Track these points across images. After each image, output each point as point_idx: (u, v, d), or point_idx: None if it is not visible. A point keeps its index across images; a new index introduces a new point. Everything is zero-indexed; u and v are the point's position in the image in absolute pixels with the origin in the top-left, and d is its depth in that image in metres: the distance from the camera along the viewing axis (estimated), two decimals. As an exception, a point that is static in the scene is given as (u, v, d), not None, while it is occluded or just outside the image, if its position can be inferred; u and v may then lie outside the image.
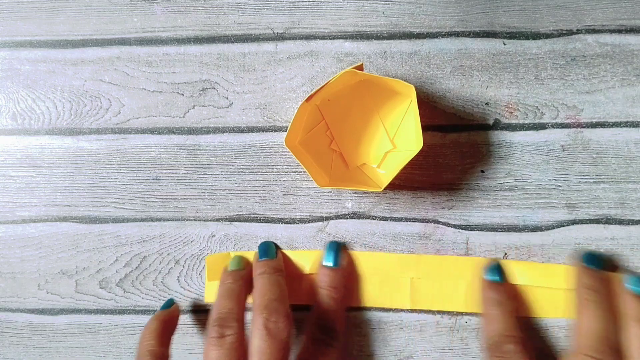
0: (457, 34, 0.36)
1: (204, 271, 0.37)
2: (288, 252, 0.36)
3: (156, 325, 0.34)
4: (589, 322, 0.31)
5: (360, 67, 0.32)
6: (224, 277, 0.35)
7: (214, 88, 0.36)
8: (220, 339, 0.31)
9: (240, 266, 0.35)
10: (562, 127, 0.36)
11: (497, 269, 0.35)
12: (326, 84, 0.31)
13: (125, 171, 0.37)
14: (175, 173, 0.37)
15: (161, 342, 0.33)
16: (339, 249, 0.36)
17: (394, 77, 0.33)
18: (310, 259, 0.36)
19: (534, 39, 0.36)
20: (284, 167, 0.36)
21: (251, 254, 0.36)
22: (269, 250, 0.36)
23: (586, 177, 0.35)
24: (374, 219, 0.36)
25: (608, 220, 0.35)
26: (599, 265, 0.34)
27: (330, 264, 0.35)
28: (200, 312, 0.37)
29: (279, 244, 0.36)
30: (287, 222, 0.36)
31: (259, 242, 0.36)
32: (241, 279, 0.34)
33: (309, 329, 0.33)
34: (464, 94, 0.36)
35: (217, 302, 0.33)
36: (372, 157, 0.36)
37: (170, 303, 0.36)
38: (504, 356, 0.31)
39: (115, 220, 0.37)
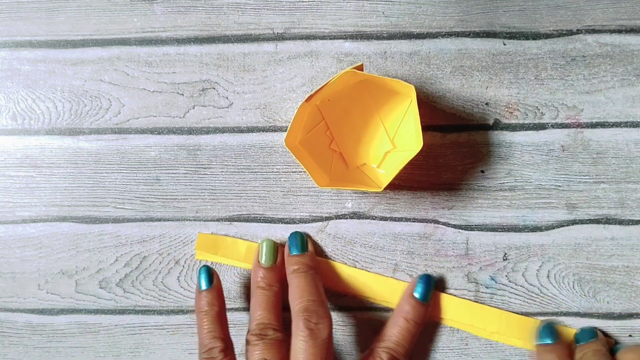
0: (457, 34, 0.36)
1: (201, 263, 0.36)
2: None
3: (214, 311, 0.34)
4: None
5: (360, 67, 0.32)
6: (256, 272, 0.35)
7: (214, 88, 0.36)
8: (262, 337, 0.32)
9: (272, 260, 0.35)
10: (562, 127, 0.36)
11: (550, 331, 0.34)
12: (326, 84, 0.31)
13: (125, 171, 0.37)
14: (175, 173, 0.37)
15: (222, 326, 0.34)
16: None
17: (394, 77, 0.33)
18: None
19: (534, 39, 0.36)
20: (284, 167, 0.36)
21: (246, 244, 0.36)
22: (301, 244, 0.35)
23: (586, 177, 0.35)
24: (374, 219, 0.36)
25: (608, 220, 0.35)
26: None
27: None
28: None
29: (279, 243, 0.36)
30: (287, 222, 0.36)
31: (290, 232, 0.36)
32: (276, 282, 0.34)
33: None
34: (464, 94, 0.36)
35: (254, 312, 0.33)
36: (372, 157, 0.36)
37: (209, 276, 0.35)
38: None
39: (115, 220, 0.37)
